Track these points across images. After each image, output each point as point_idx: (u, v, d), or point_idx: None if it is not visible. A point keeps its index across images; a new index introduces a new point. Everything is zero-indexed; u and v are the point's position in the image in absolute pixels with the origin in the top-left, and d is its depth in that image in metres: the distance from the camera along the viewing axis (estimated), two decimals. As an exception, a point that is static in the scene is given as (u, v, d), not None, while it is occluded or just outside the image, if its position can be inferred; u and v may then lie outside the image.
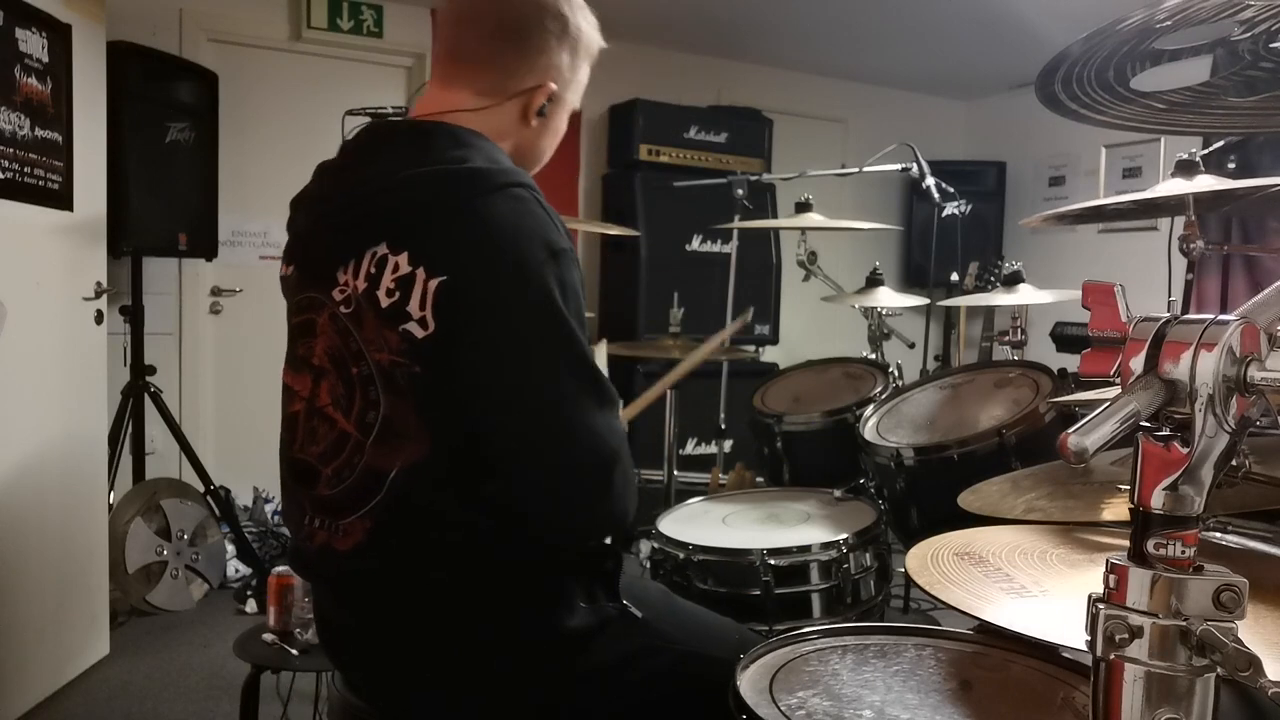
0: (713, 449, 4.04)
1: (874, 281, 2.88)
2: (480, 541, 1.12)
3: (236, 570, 3.70)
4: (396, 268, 1.08)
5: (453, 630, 1.15)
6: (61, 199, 2.70)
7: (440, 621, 1.15)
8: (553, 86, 1.23)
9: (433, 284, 1.06)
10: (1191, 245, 1.67)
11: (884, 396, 2.30)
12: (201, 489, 3.60)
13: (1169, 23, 0.78)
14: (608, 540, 1.22)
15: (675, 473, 2.83)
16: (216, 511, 3.63)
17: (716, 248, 4.69)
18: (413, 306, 1.07)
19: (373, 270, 1.10)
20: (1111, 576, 0.59)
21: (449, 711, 1.19)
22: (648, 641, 1.21)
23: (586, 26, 1.27)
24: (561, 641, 1.15)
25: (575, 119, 1.36)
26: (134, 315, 3.54)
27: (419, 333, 1.07)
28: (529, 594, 1.16)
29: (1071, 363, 3.38)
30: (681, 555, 1.74)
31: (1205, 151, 1.85)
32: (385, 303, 1.08)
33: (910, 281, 5.65)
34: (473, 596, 1.14)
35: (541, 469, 1.08)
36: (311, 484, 1.18)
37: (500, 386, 1.07)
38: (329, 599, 1.26)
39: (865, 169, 3.31)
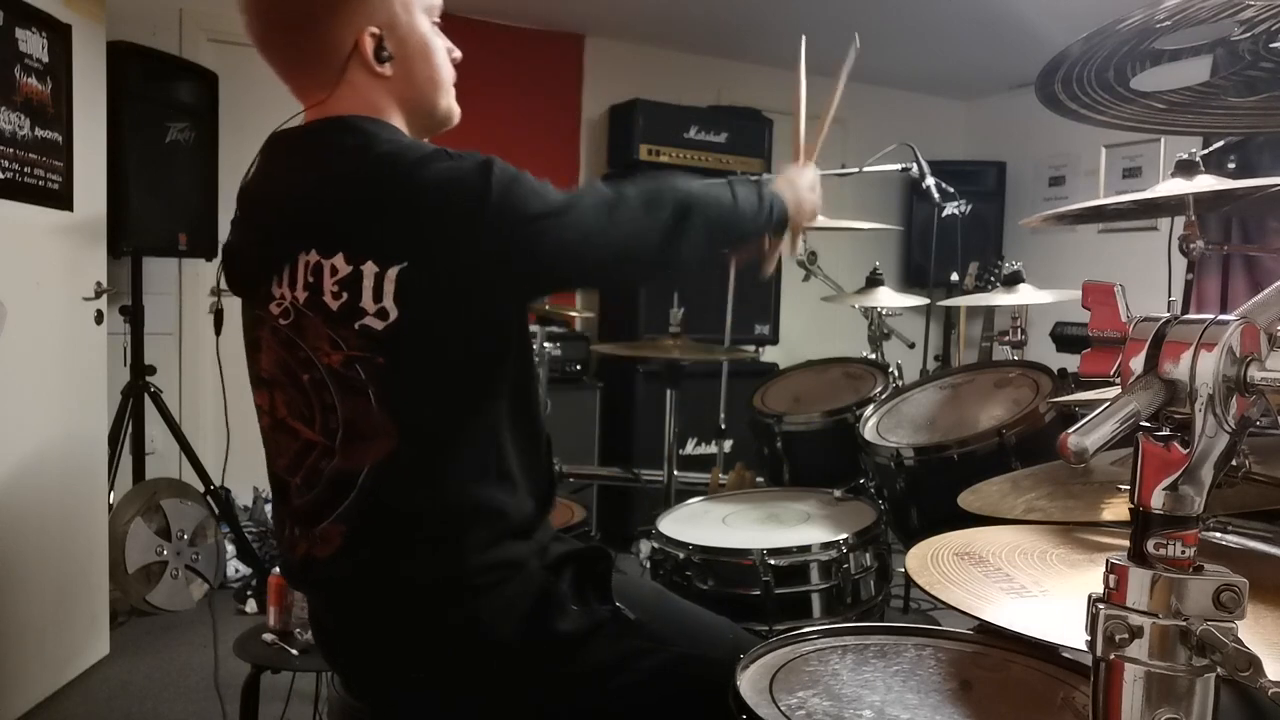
0: (713, 449, 4.04)
1: (874, 281, 2.88)
2: (460, 540, 1.11)
3: (236, 570, 3.70)
4: (335, 270, 1.07)
5: (440, 633, 1.14)
6: (61, 199, 2.70)
7: (426, 625, 1.14)
8: (371, 29, 1.15)
9: (391, 272, 1.05)
10: (1191, 245, 1.67)
11: (884, 396, 2.30)
12: (201, 489, 3.60)
13: (1169, 23, 0.78)
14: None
15: (675, 473, 2.83)
16: (216, 511, 3.63)
17: (716, 248, 4.68)
18: (366, 302, 1.06)
19: (310, 279, 1.09)
20: (1111, 576, 0.59)
21: (442, 715, 1.19)
22: (640, 644, 1.20)
23: None
24: (553, 645, 1.15)
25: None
26: (134, 315, 3.54)
27: (378, 325, 1.06)
28: (517, 596, 1.14)
29: (1071, 363, 3.38)
30: (681, 555, 1.74)
31: (1205, 151, 1.84)
32: (334, 305, 1.08)
33: (910, 281, 5.65)
34: (457, 599, 1.13)
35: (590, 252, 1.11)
36: (284, 496, 1.19)
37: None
38: (320, 605, 1.26)
39: (865, 169, 3.30)
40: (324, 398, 1.11)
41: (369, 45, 1.15)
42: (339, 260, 1.07)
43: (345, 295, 1.07)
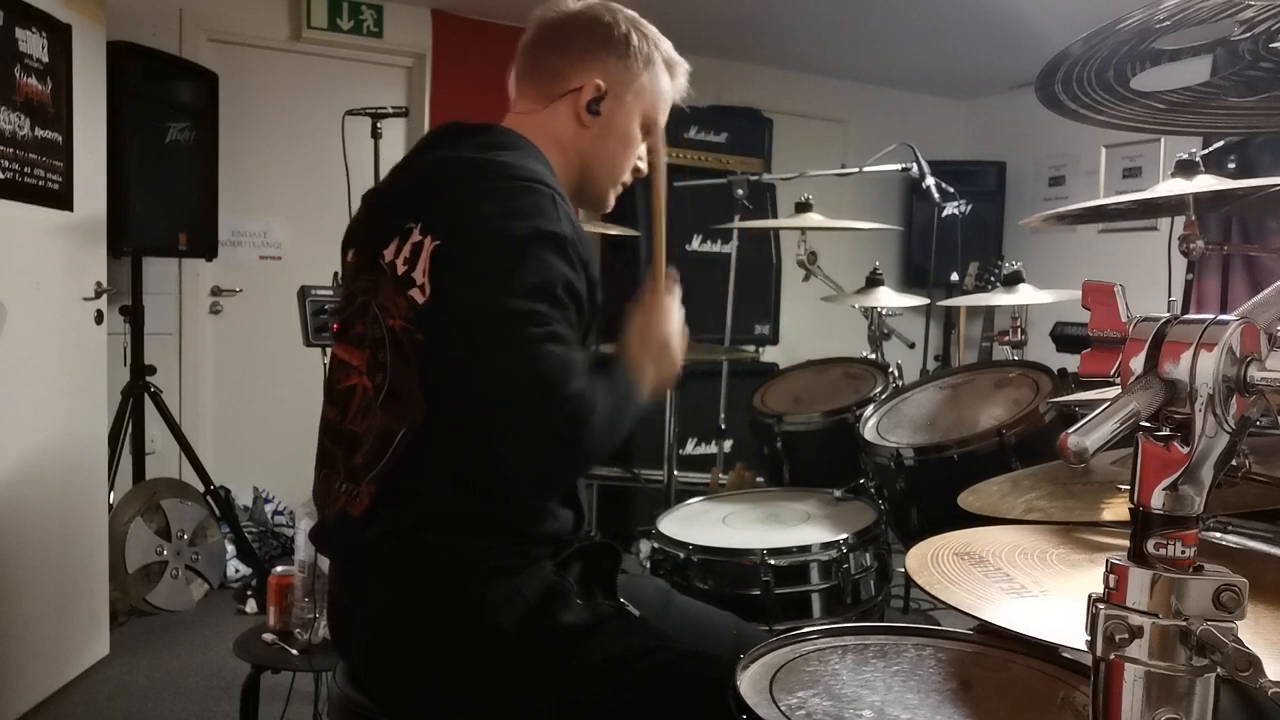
0: (713, 449, 4.04)
1: (874, 281, 2.88)
2: (476, 525, 1.15)
3: (236, 570, 3.70)
4: (414, 236, 1.16)
5: (447, 616, 1.16)
6: (61, 199, 2.70)
7: (435, 605, 1.16)
8: (599, 84, 1.30)
9: (430, 247, 1.14)
10: (1191, 245, 1.67)
11: (884, 396, 2.30)
12: (201, 489, 3.60)
13: (1169, 23, 0.78)
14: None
15: (675, 473, 2.83)
16: (216, 511, 3.63)
17: (716, 248, 4.69)
18: (418, 273, 1.14)
19: (399, 241, 1.18)
20: (1111, 576, 0.59)
21: (444, 703, 1.20)
22: (644, 640, 1.21)
23: (636, 34, 1.34)
24: (556, 637, 1.16)
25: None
26: (134, 315, 3.54)
27: (420, 299, 1.14)
28: (525, 586, 1.16)
29: (1071, 363, 3.38)
30: (682, 555, 1.74)
31: (1205, 151, 1.85)
32: (401, 270, 1.16)
33: (910, 281, 5.65)
34: (465, 581, 1.15)
35: (507, 420, 1.10)
36: (352, 452, 1.22)
37: (469, 347, 1.11)
38: (337, 578, 1.30)
39: (865, 169, 3.30)
40: (379, 355, 1.19)
41: (588, 93, 1.31)
42: (418, 228, 1.16)
43: (409, 262, 1.15)
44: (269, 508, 4.03)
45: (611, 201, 1.41)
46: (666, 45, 1.39)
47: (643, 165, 1.41)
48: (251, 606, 3.41)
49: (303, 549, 1.99)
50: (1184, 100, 0.95)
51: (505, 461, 1.11)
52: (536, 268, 1.10)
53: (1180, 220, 1.70)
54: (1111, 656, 0.58)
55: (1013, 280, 2.49)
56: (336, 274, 2.72)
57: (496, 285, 1.09)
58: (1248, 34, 0.80)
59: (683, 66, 1.41)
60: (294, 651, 1.95)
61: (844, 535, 1.75)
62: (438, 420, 1.13)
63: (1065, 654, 1.06)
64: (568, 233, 1.14)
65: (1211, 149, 2.31)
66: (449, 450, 1.14)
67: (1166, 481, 0.58)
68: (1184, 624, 0.57)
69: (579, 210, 1.36)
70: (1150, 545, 0.58)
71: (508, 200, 1.13)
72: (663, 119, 1.40)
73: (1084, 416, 0.57)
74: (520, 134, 1.28)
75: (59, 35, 2.64)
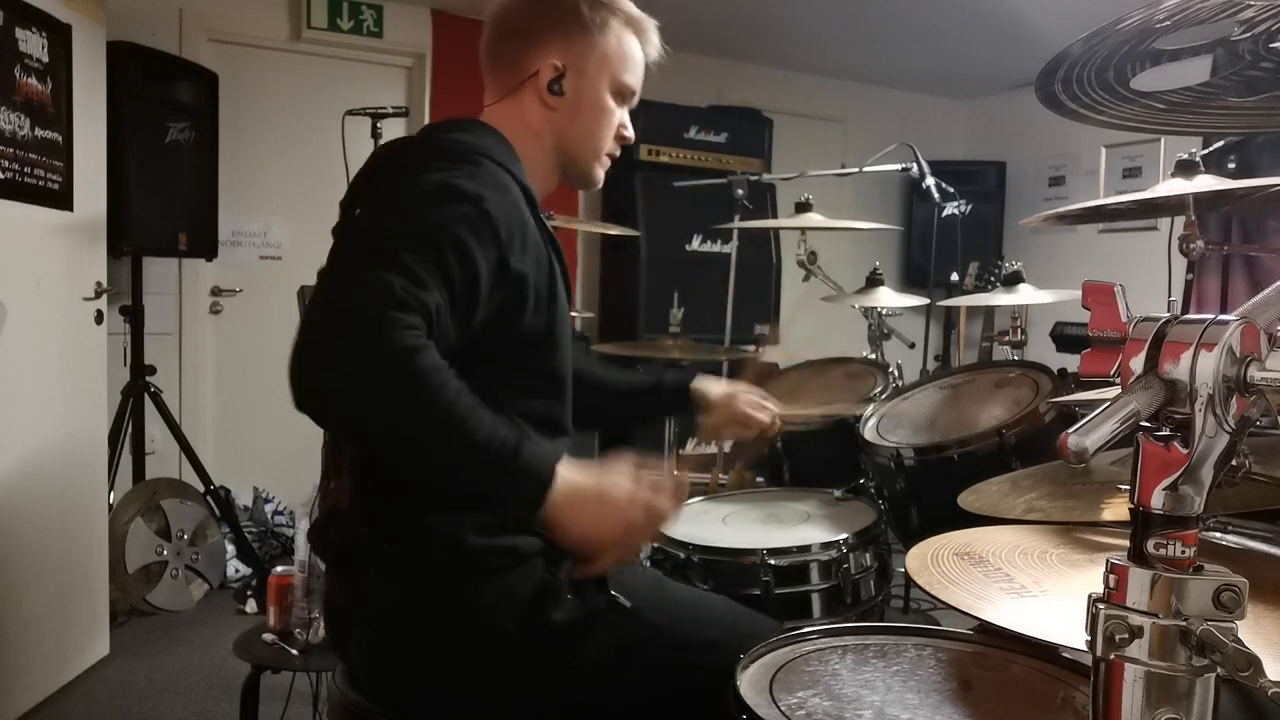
0: (713, 449, 4.04)
1: (874, 281, 2.87)
2: (460, 520, 1.15)
3: (236, 570, 3.70)
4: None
5: (441, 616, 1.16)
6: (61, 199, 2.70)
7: (433, 610, 1.16)
8: (555, 63, 1.28)
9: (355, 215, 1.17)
10: (1191, 245, 1.67)
11: (884, 396, 2.30)
12: (201, 489, 3.60)
13: (1168, 23, 0.78)
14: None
15: (675, 473, 2.82)
16: (216, 511, 3.63)
17: (716, 248, 4.69)
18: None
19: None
20: (1111, 576, 0.59)
21: (444, 703, 1.20)
22: (637, 631, 1.21)
23: (586, 3, 1.30)
24: (550, 635, 1.16)
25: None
26: (134, 315, 3.54)
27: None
28: (518, 585, 1.16)
29: (1071, 363, 3.38)
30: (682, 555, 1.74)
31: (1205, 151, 1.85)
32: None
33: (910, 281, 5.65)
34: (459, 581, 1.15)
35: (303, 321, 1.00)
36: (341, 446, 1.25)
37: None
38: (332, 578, 1.30)
39: (865, 169, 3.30)
40: None
41: (546, 75, 1.29)
42: (359, 211, 1.19)
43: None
44: (269, 508, 4.02)
45: (600, 176, 1.37)
46: (626, 5, 1.34)
47: (628, 133, 1.36)
48: (251, 606, 3.41)
49: (303, 549, 1.99)
50: (1184, 100, 0.95)
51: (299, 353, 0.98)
52: (421, 215, 1.05)
53: (1180, 220, 1.70)
54: (1111, 656, 0.58)
55: (1013, 280, 2.49)
56: (336, 274, 2.72)
57: (378, 225, 1.09)
58: (1248, 34, 0.80)
59: (649, 24, 1.36)
60: (294, 651, 1.95)
61: (844, 535, 1.74)
62: None
63: (1065, 654, 1.06)
64: (471, 189, 1.07)
65: (1211, 149, 2.31)
66: None
67: (1166, 481, 0.58)
68: (1184, 624, 0.57)
69: (578, 192, 1.34)
70: (1150, 545, 0.58)
71: (429, 161, 1.13)
72: (636, 82, 1.35)
73: (1084, 416, 0.57)
74: (484, 123, 1.28)
75: (59, 35, 2.64)
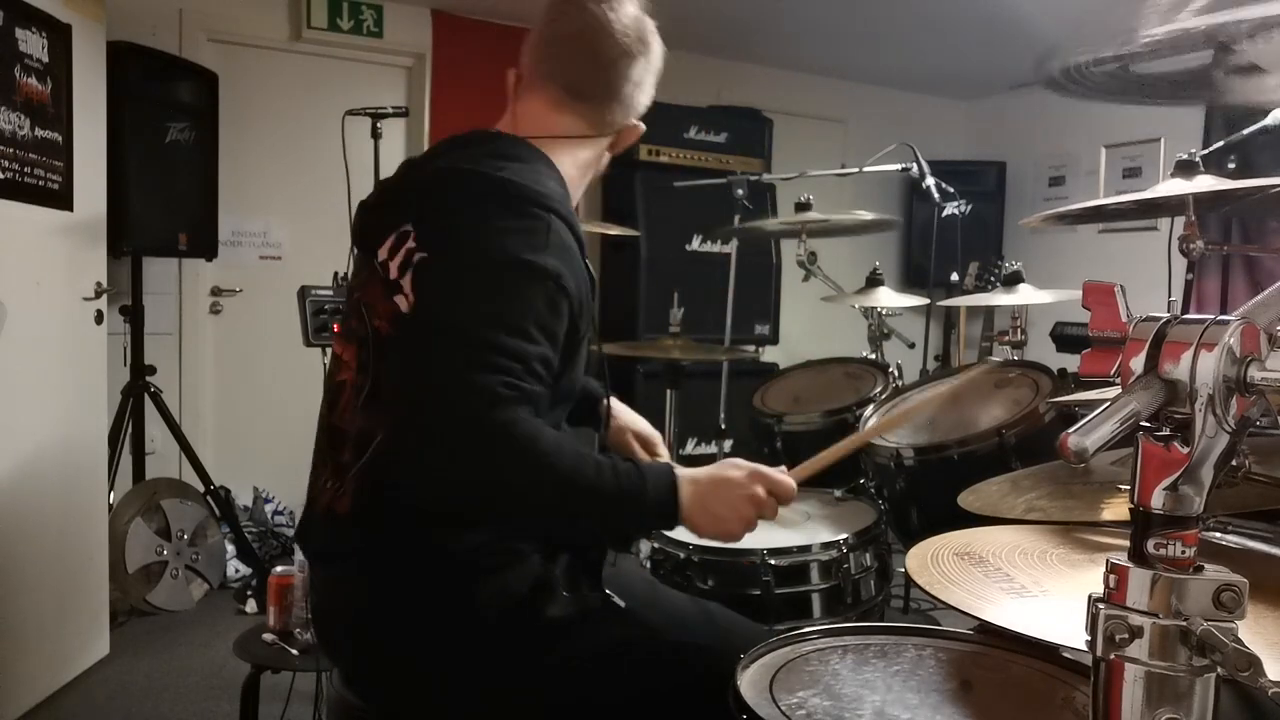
0: (713, 449, 4.04)
1: (874, 281, 2.87)
2: (458, 523, 1.15)
3: (236, 570, 3.70)
4: (410, 241, 1.15)
5: (433, 614, 1.16)
6: (61, 199, 2.70)
7: (423, 607, 1.16)
8: (641, 128, 1.34)
9: (417, 258, 1.13)
10: (1191, 245, 1.67)
11: (884, 396, 2.30)
12: (201, 489, 3.60)
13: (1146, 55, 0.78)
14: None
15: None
16: (216, 511, 3.62)
17: (716, 248, 4.69)
18: (405, 280, 1.14)
19: (393, 242, 1.17)
20: (1111, 576, 0.59)
21: (433, 700, 1.20)
22: (630, 631, 1.22)
23: (658, 51, 1.34)
24: (543, 631, 1.17)
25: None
26: (134, 315, 3.54)
27: (404, 306, 1.14)
28: (513, 582, 1.17)
29: (1071, 363, 3.37)
30: (682, 555, 1.74)
31: (1205, 151, 1.84)
32: (392, 273, 1.16)
33: (910, 281, 5.65)
34: (452, 579, 1.16)
35: (405, 421, 1.05)
36: (338, 448, 1.23)
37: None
38: (319, 578, 1.30)
39: (865, 169, 3.30)
40: (364, 356, 1.20)
41: (633, 136, 1.35)
42: (415, 235, 1.15)
43: (398, 268, 1.15)
44: (269, 508, 4.02)
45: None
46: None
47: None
48: (251, 606, 3.41)
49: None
50: (1185, 80, 0.95)
51: (411, 459, 1.05)
52: (510, 298, 1.08)
53: (1180, 220, 1.70)
54: (1112, 656, 0.58)
55: (1013, 280, 2.49)
56: (337, 274, 2.72)
57: (468, 309, 1.08)
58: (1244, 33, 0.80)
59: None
60: (294, 651, 1.95)
61: (844, 535, 1.74)
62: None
63: (1065, 654, 1.06)
64: (551, 265, 1.11)
65: (1211, 149, 2.31)
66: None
67: (1167, 481, 0.58)
68: (1184, 624, 0.57)
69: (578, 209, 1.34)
70: (1150, 545, 0.58)
71: (500, 220, 1.12)
72: None
73: (1084, 416, 0.57)
74: (538, 149, 1.25)
75: (59, 35, 2.64)
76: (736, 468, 1.17)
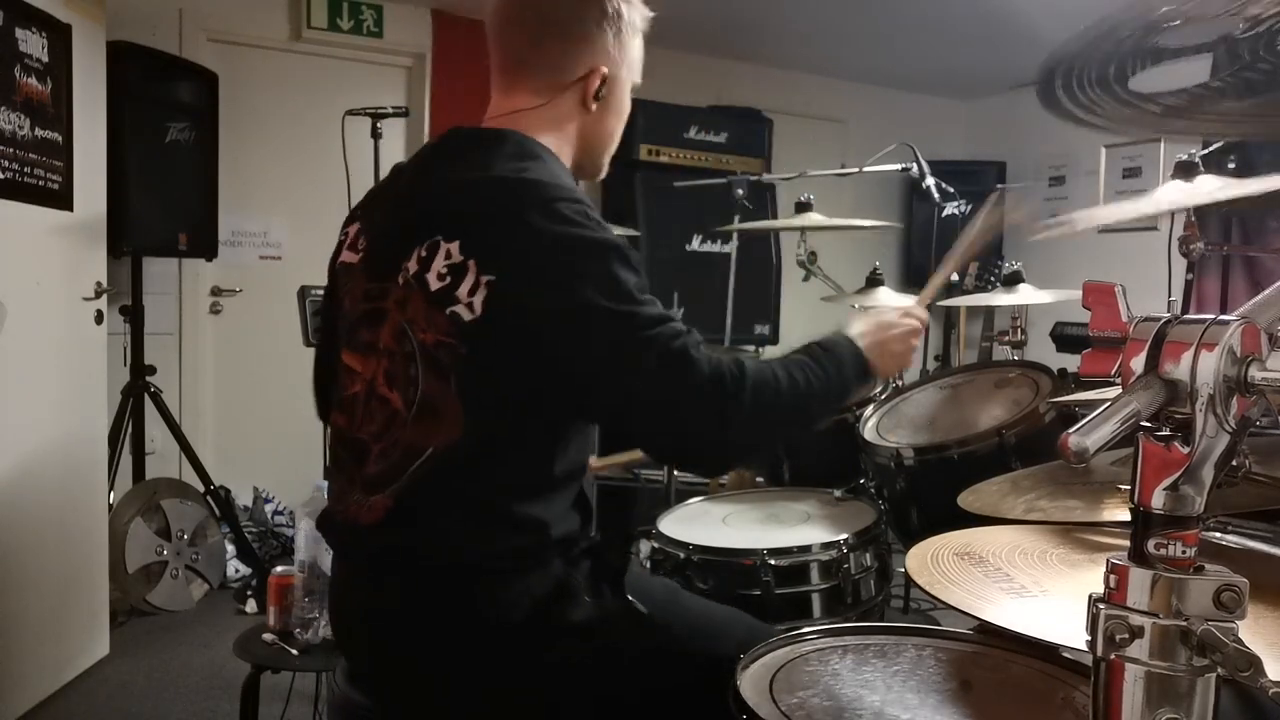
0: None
1: (874, 281, 2.87)
2: (494, 536, 1.15)
3: (236, 570, 3.70)
4: (449, 254, 1.13)
5: (453, 615, 1.16)
6: (61, 199, 2.70)
7: (441, 605, 1.16)
8: (604, 70, 1.27)
9: (484, 279, 1.11)
10: (1191, 246, 1.67)
11: (884, 396, 2.30)
12: (201, 489, 3.60)
13: (1178, 21, 0.78)
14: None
15: (675, 473, 2.82)
16: (216, 511, 3.63)
17: (716, 248, 4.69)
18: (461, 292, 1.11)
19: (424, 254, 1.15)
20: (1112, 576, 0.59)
21: (448, 699, 1.20)
22: (650, 636, 1.21)
23: (625, 4, 1.29)
24: (563, 633, 1.17)
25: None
26: (134, 315, 3.54)
27: (467, 316, 1.11)
28: (535, 585, 1.17)
29: (1071, 363, 3.37)
30: (682, 555, 1.74)
31: (1205, 152, 1.84)
32: (435, 286, 1.13)
33: (910, 281, 5.64)
34: (475, 582, 1.16)
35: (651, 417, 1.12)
36: (362, 461, 1.21)
37: (576, 374, 1.12)
38: (343, 575, 1.29)
39: (865, 169, 3.30)
40: (410, 371, 1.17)
41: (595, 81, 1.27)
42: (455, 247, 1.13)
43: (448, 279, 1.13)
44: (269, 508, 4.02)
45: (606, 168, 1.39)
46: (641, 6, 1.33)
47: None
48: (251, 606, 3.41)
49: (303, 549, 1.99)
50: (1181, 104, 0.95)
51: (640, 431, 1.15)
52: (628, 272, 1.12)
53: (1180, 220, 1.70)
54: (1112, 656, 0.58)
55: (1013, 280, 2.48)
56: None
57: (610, 294, 1.09)
58: (1250, 32, 0.80)
59: (649, 17, 1.35)
60: (294, 651, 1.95)
61: (844, 535, 1.74)
62: (477, 431, 1.13)
63: (1065, 654, 1.06)
64: (610, 239, 1.14)
65: (1211, 149, 2.31)
66: (486, 460, 1.14)
67: (1167, 481, 0.58)
68: (1184, 624, 0.57)
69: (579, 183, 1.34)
70: (1151, 545, 0.58)
71: (556, 221, 1.12)
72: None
73: (1084, 416, 0.57)
74: (530, 137, 1.24)
75: (59, 35, 2.64)
76: (881, 313, 1.35)
